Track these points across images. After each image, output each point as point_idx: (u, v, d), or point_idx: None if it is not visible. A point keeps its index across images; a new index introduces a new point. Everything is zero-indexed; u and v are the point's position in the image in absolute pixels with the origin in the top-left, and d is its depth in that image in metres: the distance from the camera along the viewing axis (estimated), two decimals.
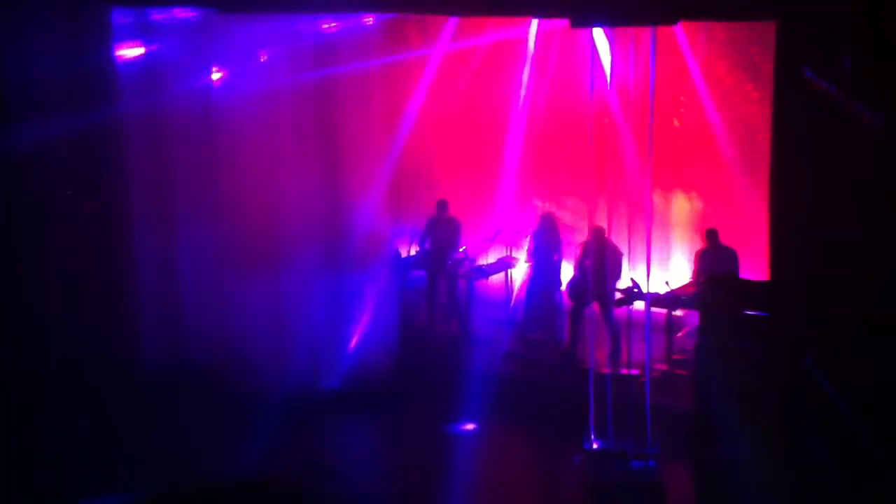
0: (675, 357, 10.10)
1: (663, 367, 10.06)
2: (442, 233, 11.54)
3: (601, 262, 9.43)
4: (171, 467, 7.63)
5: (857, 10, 5.68)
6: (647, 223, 8.22)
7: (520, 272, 11.64)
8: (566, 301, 10.66)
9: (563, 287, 10.85)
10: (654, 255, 12.09)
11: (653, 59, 7.81)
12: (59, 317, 8.67)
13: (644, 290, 10.03)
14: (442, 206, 11.57)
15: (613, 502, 7.21)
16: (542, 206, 12.23)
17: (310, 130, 10.63)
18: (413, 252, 12.06)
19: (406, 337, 10.66)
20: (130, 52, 9.59)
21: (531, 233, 11.27)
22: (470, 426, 9.09)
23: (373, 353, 10.24)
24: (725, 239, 10.33)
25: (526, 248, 11.36)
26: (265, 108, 10.32)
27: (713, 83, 11.30)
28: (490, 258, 12.10)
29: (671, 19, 7.86)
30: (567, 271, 10.89)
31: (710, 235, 10.31)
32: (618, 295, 10.12)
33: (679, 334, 10.58)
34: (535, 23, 11.83)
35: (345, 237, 10.90)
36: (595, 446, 7.70)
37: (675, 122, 11.72)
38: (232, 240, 10.16)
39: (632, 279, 10.06)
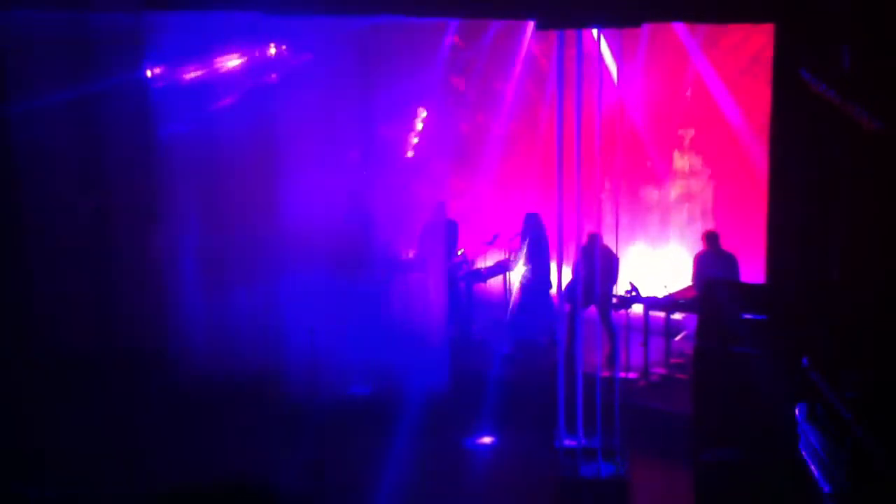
0: (674, 361, 10.09)
1: (662, 370, 10.04)
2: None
3: (597, 266, 9.41)
4: (184, 471, 7.58)
5: (856, 11, 5.68)
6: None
7: (517, 275, 11.62)
8: (564, 305, 10.63)
9: (554, 289, 10.82)
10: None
11: (619, 60, 7.78)
12: (63, 318, 8.66)
13: (640, 293, 10.04)
14: (439, 208, 11.52)
15: (579, 499, 7.22)
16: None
17: (326, 138, 10.60)
18: (411, 255, 12.02)
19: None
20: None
21: (519, 234, 11.26)
22: (487, 439, 9.04)
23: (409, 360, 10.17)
24: (729, 241, 10.27)
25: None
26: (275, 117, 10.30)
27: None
28: (488, 261, 12.08)
29: (651, 20, 7.76)
30: (563, 273, 10.85)
31: (711, 239, 10.21)
32: (615, 299, 10.11)
33: (677, 338, 10.56)
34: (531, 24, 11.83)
35: (367, 244, 10.89)
36: (565, 444, 7.71)
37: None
38: (252, 244, 10.13)
39: (630, 282, 10.04)
